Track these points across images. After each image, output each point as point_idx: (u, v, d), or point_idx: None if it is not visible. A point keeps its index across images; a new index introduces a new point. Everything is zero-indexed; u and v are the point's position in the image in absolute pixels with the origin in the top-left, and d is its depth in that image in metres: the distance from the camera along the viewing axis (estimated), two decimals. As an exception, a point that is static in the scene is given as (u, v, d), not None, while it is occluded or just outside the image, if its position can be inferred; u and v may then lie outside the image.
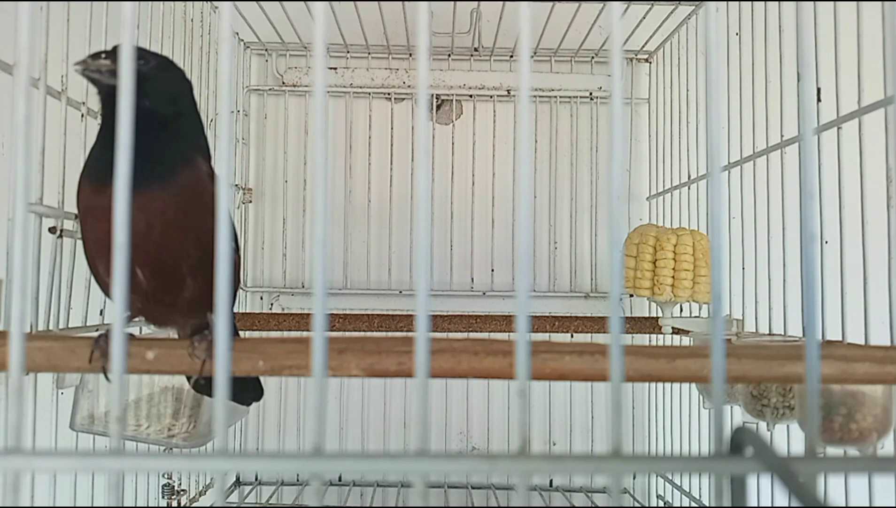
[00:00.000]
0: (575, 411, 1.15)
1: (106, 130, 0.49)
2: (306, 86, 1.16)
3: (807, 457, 0.28)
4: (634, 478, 1.14)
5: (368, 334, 1.00)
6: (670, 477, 1.06)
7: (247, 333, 1.02)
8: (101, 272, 0.50)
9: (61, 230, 0.65)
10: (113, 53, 0.48)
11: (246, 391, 0.64)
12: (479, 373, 0.43)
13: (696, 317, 0.99)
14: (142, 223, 0.45)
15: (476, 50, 1.16)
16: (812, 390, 0.30)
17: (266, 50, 1.17)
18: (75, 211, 0.66)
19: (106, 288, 0.52)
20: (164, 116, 0.49)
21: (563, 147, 1.17)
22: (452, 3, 1.00)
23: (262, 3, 1.00)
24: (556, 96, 1.17)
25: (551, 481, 1.15)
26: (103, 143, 0.48)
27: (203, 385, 0.63)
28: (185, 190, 0.48)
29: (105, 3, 0.69)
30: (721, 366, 0.29)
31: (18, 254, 0.30)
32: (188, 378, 0.66)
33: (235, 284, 0.62)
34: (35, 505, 0.68)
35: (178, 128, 0.50)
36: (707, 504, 0.98)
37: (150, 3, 0.80)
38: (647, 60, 1.18)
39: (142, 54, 0.49)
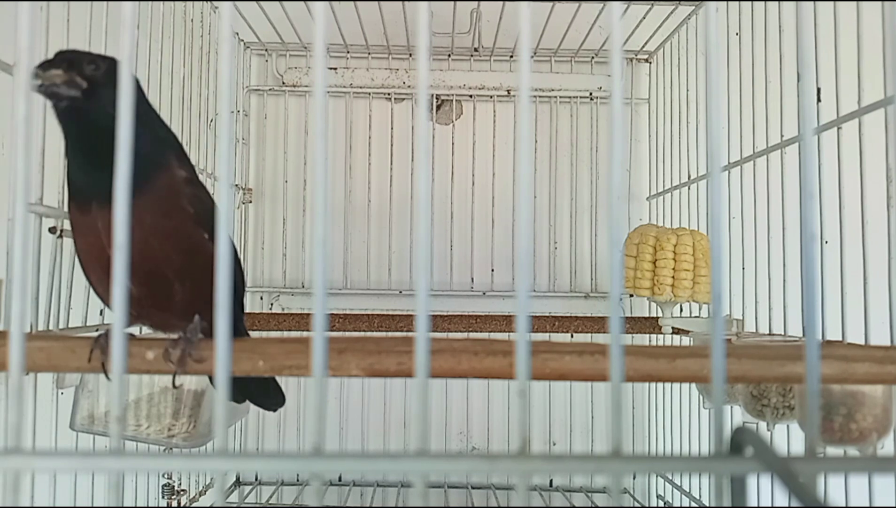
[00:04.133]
0: (575, 411, 1.15)
1: (74, 146, 0.46)
2: (306, 86, 1.16)
3: (807, 457, 0.28)
4: (634, 478, 1.14)
5: (368, 334, 1.00)
6: (670, 477, 1.06)
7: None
8: (93, 282, 0.50)
9: (61, 230, 0.65)
10: (59, 61, 0.45)
11: (268, 396, 0.64)
12: (479, 373, 0.43)
13: (696, 317, 0.99)
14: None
15: (476, 50, 1.16)
16: (812, 390, 0.30)
17: (266, 50, 1.17)
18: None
19: (100, 297, 0.52)
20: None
21: (563, 147, 1.17)
22: (452, 3, 1.00)
23: (262, 3, 1.00)
24: (556, 96, 1.17)
25: (551, 481, 1.14)
26: (75, 160, 0.46)
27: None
28: (161, 195, 0.47)
29: (105, 3, 0.69)
30: (721, 366, 0.29)
31: (18, 254, 0.30)
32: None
33: (241, 288, 0.61)
34: (35, 505, 0.68)
35: (143, 131, 0.48)
36: (707, 504, 0.98)
37: (150, 3, 0.80)
38: (647, 60, 1.18)
39: (91, 59, 0.46)
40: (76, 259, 0.66)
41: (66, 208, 0.48)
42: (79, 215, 0.47)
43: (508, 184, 1.16)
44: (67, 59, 0.45)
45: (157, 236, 0.46)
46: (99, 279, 0.48)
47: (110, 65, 0.47)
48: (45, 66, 0.44)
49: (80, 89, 0.45)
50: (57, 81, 0.44)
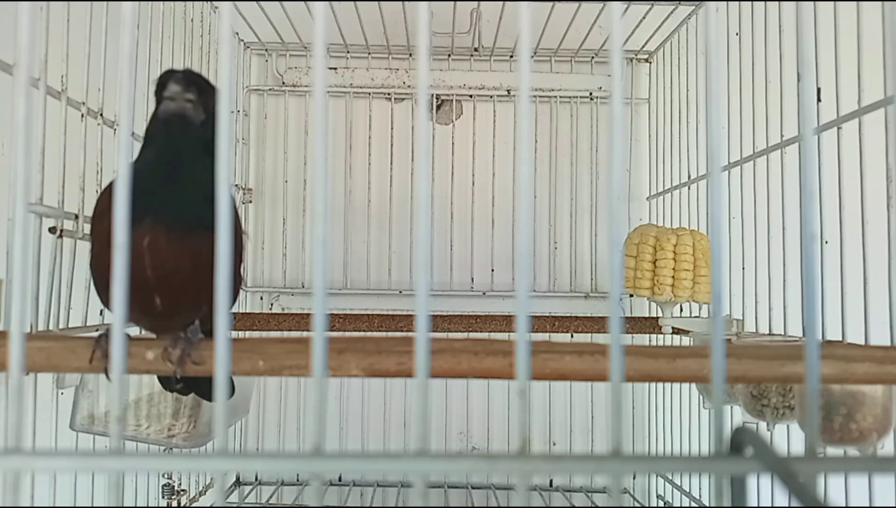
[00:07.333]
0: (575, 411, 1.15)
1: (159, 161, 0.47)
2: (306, 86, 1.16)
3: (807, 457, 0.28)
4: (634, 478, 1.14)
5: (368, 334, 1.00)
6: (670, 477, 1.06)
7: (247, 333, 1.02)
8: (105, 290, 0.49)
9: (61, 230, 0.65)
10: (189, 83, 0.46)
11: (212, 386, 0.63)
12: (479, 373, 0.43)
13: (696, 317, 0.99)
14: (172, 263, 0.45)
15: (476, 50, 1.16)
16: (812, 390, 0.30)
17: (266, 50, 1.17)
18: (75, 211, 0.67)
19: (104, 304, 0.51)
20: (210, 157, 0.48)
21: (563, 147, 1.17)
22: (452, 3, 1.00)
23: (262, 3, 1.00)
24: (556, 96, 1.17)
25: (551, 481, 1.14)
26: (148, 173, 0.45)
27: (180, 388, 0.61)
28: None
29: (105, 3, 0.69)
30: (721, 366, 0.29)
31: (18, 254, 0.30)
32: (159, 379, 0.63)
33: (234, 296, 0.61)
34: (35, 505, 0.68)
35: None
36: (707, 504, 0.98)
37: (150, 3, 0.80)
38: (647, 60, 1.18)
39: (212, 91, 0.48)
40: (75, 256, 0.66)
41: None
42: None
43: (508, 184, 1.16)
44: (197, 85, 0.47)
45: (207, 270, 0.46)
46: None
47: (216, 101, 0.48)
48: (183, 84, 0.46)
49: (201, 119, 0.47)
50: (189, 107, 0.47)
